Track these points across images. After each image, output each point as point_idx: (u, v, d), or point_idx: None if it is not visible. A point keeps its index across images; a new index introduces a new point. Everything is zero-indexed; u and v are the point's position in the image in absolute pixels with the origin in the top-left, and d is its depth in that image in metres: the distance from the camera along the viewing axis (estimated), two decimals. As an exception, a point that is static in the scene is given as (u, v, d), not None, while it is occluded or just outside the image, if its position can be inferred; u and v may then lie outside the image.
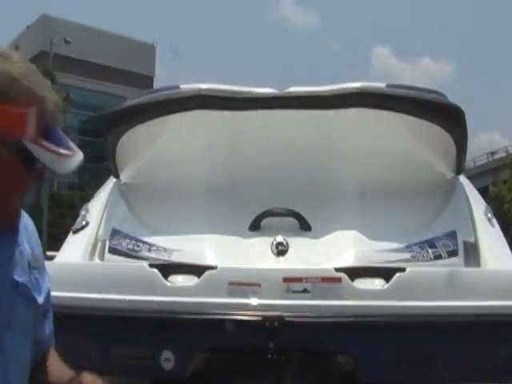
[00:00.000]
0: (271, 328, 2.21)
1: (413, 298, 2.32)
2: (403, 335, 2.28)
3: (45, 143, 1.15)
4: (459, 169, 3.30)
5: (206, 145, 3.18)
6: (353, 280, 2.34)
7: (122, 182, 3.25)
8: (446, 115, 3.04)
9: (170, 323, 2.30)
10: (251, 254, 2.74)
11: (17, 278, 1.23)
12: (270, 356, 2.20)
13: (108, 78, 39.26)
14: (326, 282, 2.32)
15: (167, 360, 2.27)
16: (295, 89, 3.04)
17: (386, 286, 2.34)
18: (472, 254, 2.86)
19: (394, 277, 2.34)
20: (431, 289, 2.37)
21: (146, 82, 37.84)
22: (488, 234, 2.98)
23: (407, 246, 2.79)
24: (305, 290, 2.31)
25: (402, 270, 2.39)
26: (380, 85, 3.08)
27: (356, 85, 2.98)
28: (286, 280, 2.33)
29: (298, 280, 2.32)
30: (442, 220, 3.03)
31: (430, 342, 2.29)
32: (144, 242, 2.81)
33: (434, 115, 3.02)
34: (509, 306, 2.35)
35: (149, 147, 3.16)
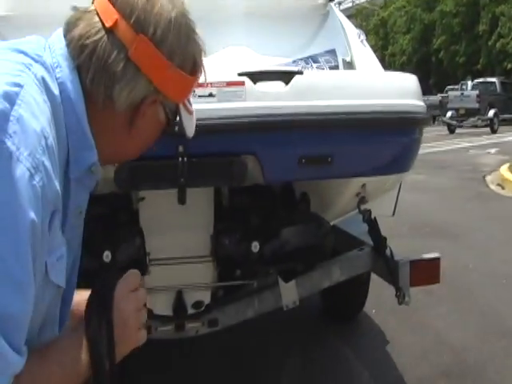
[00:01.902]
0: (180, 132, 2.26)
1: (309, 98, 2.44)
2: (303, 134, 2.43)
3: (188, 105, 1.25)
4: None
5: None
6: (255, 83, 2.41)
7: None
8: None
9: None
10: None
11: None
12: (180, 160, 2.27)
13: None
14: (230, 86, 2.38)
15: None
16: None
17: (285, 88, 2.43)
18: (348, 69, 3.04)
19: (293, 79, 2.44)
20: (326, 90, 2.50)
21: None
22: (361, 53, 3.16)
23: (294, 61, 2.93)
24: (210, 95, 2.36)
25: (300, 72, 2.49)
26: None
27: None
28: (192, 86, 2.36)
29: (203, 85, 2.36)
30: (322, 39, 3.22)
31: (327, 140, 2.46)
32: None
33: None
34: (396, 104, 2.56)
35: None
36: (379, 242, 3.05)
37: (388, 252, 3.10)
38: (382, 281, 3.47)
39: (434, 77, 42.52)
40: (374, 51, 3.45)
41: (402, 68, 42.17)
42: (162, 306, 3.04)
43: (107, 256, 2.55)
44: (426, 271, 3.26)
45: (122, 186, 2.32)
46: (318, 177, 2.59)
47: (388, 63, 43.19)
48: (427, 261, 3.28)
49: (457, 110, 26.21)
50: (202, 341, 3.31)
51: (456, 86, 31.36)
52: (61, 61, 1.06)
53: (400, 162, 2.65)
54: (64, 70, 1.06)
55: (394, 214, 3.41)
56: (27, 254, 0.90)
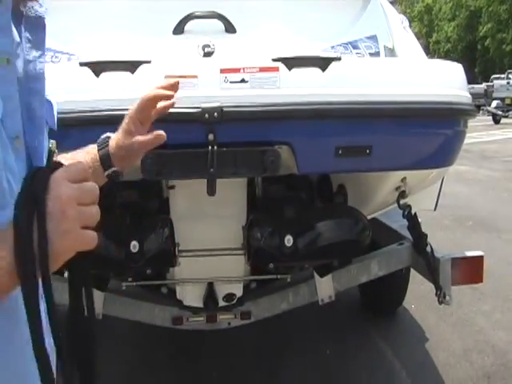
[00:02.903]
0: (211, 120, 2.18)
1: (347, 85, 2.33)
2: (340, 123, 2.31)
3: None
4: None
5: None
6: (290, 69, 2.30)
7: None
8: None
9: (106, 121, 2.20)
10: (177, 55, 2.66)
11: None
12: (209, 149, 2.18)
13: None
14: (264, 72, 2.27)
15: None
16: None
17: (322, 75, 2.32)
18: (390, 56, 2.91)
19: (330, 65, 2.32)
20: (365, 78, 2.39)
21: None
22: (404, 39, 3.02)
23: (332, 47, 2.80)
24: (242, 80, 2.26)
25: (338, 59, 2.36)
26: None
27: None
28: (224, 71, 2.26)
29: (236, 70, 2.26)
30: (363, 24, 3.10)
31: (366, 130, 2.34)
32: (71, 54, 2.64)
33: None
34: (439, 95, 2.42)
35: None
36: (419, 238, 2.92)
37: (428, 249, 2.96)
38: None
39: (479, 65, 41.76)
40: (418, 38, 3.32)
41: (447, 56, 41.64)
42: (193, 297, 2.98)
43: (134, 246, 2.47)
44: (469, 270, 3.12)
45: (148, 174, 2.23)
46: (356, 169, 2.47)
47: (432, 51, 42.64)
48: (470, 259, 3.14)
49: (502, 99, 25.68)
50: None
51: (502, 75, 30.70)
52: None
53: (443, 155, 2.51)
54: None
55: (435, 208, 3.27)
56: None
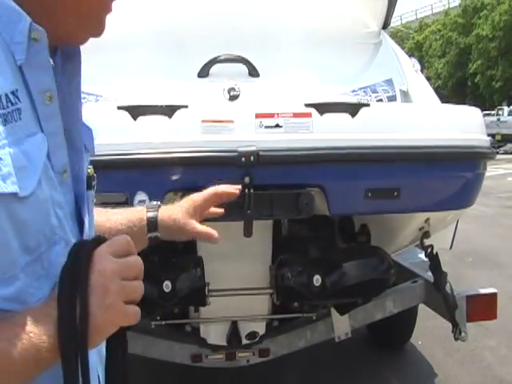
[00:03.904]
0: (247, 163, 2.25)
1: (376, 131, 2.42)
2: (369, 167, 2.40)
3: None
4: (386, 23, 3.50)
5: None
6: (321, 115, 2.39)
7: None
8: None
9: (145, 163, 2.27)
10: (205, 98, 2.75)
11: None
12: (245, 191, 2.25)
13: None
14: (297, 117, 2.36)
15: (141, 202, 2.23)
16: None
17: (352, 120, 2.41)
18: (405, 99, 3.02)
19: (360, 111, 2.41)
20: (392, 123, 2.48)
21: None
22: (417, 83, 3.15)
23: (353, 91, 2.91)
24: (277, 125, 2.34)
25: (367, 105, 2.46)
26: None
27: None
28: (259, 116, 2.35)
29: (271, 115, 2.34)
30: (377, 67, 3.22)
31: (394, 173, 2.43)
32: (98, 95, 2.72)
33: None
34: (463, 139, 2.52)
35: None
36: (440, 277, 2.99)
37: (448, 287, 3.03)
38: (427, 310, 3.40)
39: (469, 101, 42.08)
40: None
41: (438, 92, 41.82)
42: (217, 335, 3.02)
43: (167, 286, 2.52)
44: (483, 307, 3.20)
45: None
46: (385, 210, 2.55)
47: (423, 87, 42.95)
48: (484, 296, 3.21)
49: (493, 135, 25.94)
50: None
51: (492, 112, 31.07)
52: None
53: (465, 196, 2.61)
54: None
55: (451, 247, 3.35)
56: None
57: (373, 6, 3.53)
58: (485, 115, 30.54)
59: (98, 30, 1.02)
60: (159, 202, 1.43)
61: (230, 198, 1.51)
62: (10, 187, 0.85)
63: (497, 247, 7.97)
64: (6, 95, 0.86)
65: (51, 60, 0.97)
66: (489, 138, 2.69)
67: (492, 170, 18.92)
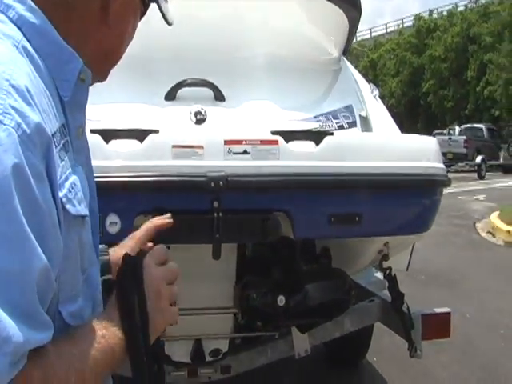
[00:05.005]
0: (216, 188, 2.34)
1: (340, 159, 2.53)
2: (333, 192, 2.52)
3: None
4: (346, 49, 3.63)
5: None
6: (287, 142, 2.49)
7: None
8: None
9: (116, 187, 2.32)
10: (172, 122, 2.82)
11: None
12: (214, 215, 2.34)
13: None
14: (265, 144, 2.46)
15: (113, 224, 2.31)
16: None
17: (317, 148, 2.52)
18: (365, 125, 3.15)
19: (324, 140, 2.53)
20: (354, 151, 2.60)
21: None
22: (376, 109, 3.29)
23: (315, 117, 3.03)
24: (245, 152, 2.44)
25: (331, 133, 2.58)
26: None
27: None
28: (228, 142, 2.44)
29: (239, 142, 2.44)
30: (338, 93, 3.34)
31: (355, 200, 2.55)
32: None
33: None
34: (420, 167, 2.66)
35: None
36: (398, 297, 3.12)
37: (405, 307, 3.16)
38: (383, 328, 3.51)
39: (422, 120, 42.99)
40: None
41: (391, 110, 42.29)
42: (181, 353, 3.07)
43: None
44: (438, 326, 3.33)
45: (154, 239, 2.36)
46: (347, 235, 2.67)
47: (377, 105, 43.47)
48: (439, 315, 3.34)
49: (444, 154, 26.43)
50: None
51: (444, 131, 31.67)
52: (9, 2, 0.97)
53: (422, 221, 2.74)
54: (16, 7, 0.96)
55: (407, 269, 3.48)
56: (9, 204, 0.79)
57: (333, 33, 3.65)
58: (437, 134, 31.25)
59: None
60: (106, 246, 1.43)
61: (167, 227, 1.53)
62: (83, 210, 0.97)
63: (449, 266, 8.20)
64: (63, 125, 0.95)
65: None
66: (444, 167, 2.83)
67: (443, 189, 19.28)
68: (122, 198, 2.34)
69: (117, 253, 1.39)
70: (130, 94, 3.02)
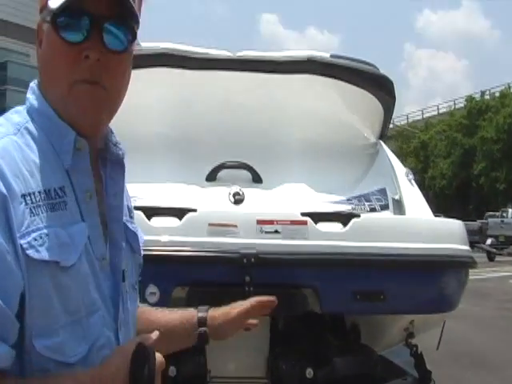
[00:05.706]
0: (248, 264, 2.53)
1: (366, 239, 2.70)
2: (358, 271, 2.68)
3: None
4: (383, 134, 3.82)
5: (164, 101, 3.46)
6: (316, 223, 2.68)
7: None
8: (380, 85, 3.52)
9: (156, 260, 2.51)
10: (212, 202, 3.05)
11: (125, 219, 1.29)
12: (246, 289, 2.51)
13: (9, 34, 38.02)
14: (294, 224, 2.65)
15: (152, 294, 2.51)
16: (248, 52, 3.39)
17: (344, 229, 2.70)
18: (398, 208, 3.30)
19: (351, 221, 2.71)
20: (380, 233, 2.76)
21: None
22: (410, 193, 3.44)
23: (348, 199, 3.21)
24: (276, 231, 2.64)
25: (358, 215, 2.76)
26: (325, 54, 3.50)
27: (305, 53, 3.51)
28: (260, 222, 2.65)
29: (270, 222, 2.64)
30: (373, 176, 3.52)
31: (381, 278, 2.70)
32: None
33: (369, 85, 3.48)
34: (439, 248, 2.79)
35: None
36: (425, 375, 3.19)
37: None
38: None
39: (473, 202, 42.53)
40: (414, 174, 3.71)
41: (442, 192, 42.36)
42: None
43: (172, 371, 2.73)
44: None
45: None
46: (371, 311, 2.80)
47: (428, 186, 43.31)
48: None
49: (496, 237, 26.09)
50: None
51: (496, 213, 31.30)
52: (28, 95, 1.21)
53: (446, 301, 2.86)
54: (29, 98, 1.21)
55: (438, 347, 3.55)
56: None
57: (369, 118, 3.87)
58: (489, 216, 30.78)
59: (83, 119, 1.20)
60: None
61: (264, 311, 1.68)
62: (52, 257, 1.08)
63: (495, 350, 8.06)
64: (55, 189, 1.13)
65: (101, 168, 1.24)
66: (469, 249, 2.95)
67: (494, 272, 19.03)
68: (161, 271, 2.54)
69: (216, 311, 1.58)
70: (175, 175, 3.26)
